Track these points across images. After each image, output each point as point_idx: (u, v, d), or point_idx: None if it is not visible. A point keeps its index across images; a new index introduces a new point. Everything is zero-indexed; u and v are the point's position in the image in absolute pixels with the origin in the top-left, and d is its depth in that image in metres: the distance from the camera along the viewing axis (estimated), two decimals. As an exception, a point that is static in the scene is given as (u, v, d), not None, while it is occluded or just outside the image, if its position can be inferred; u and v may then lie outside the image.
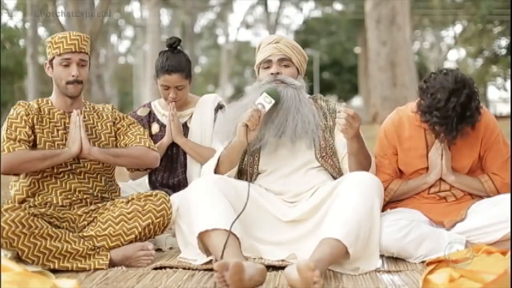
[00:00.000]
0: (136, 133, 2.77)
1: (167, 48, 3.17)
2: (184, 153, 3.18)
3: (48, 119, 2.64)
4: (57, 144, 2.61)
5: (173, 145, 3.18)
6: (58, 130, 2.64)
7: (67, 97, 2.66)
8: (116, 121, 2.79)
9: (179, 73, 3.08)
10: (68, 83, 2.61)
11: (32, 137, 2.58)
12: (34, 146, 2.58)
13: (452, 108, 2.44)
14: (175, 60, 3.10)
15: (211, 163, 2.74)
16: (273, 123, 2.63)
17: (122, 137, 2.76)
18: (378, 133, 2.86)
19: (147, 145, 2.73)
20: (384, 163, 2.75)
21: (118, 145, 2.74)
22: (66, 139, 2.62)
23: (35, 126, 2.60)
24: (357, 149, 2.57)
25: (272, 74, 2.71)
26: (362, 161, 2.60)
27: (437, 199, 2.72)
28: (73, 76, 2.60)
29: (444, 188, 2.71)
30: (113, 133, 2.76)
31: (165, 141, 3.15)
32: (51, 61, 2.64)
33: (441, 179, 2.70)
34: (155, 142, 3.18)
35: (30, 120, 2.59)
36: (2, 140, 2.54)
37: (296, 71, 2.76)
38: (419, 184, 2.73)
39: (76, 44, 2.60)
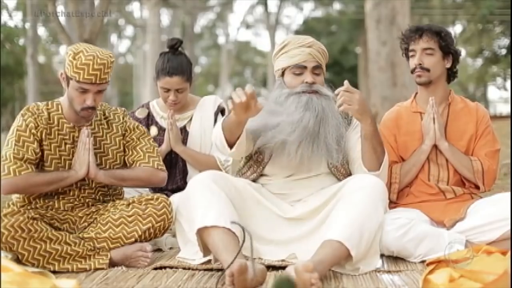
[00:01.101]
0: (145, 148, 2.67)
1: (167, 49, 3.11)
2: (183, 159, 3.16)
3: (57, 131, 2.56)
4: (64, 159, 2.56)
5: (171, 151, 3.15)
6: (66, 144, 2.57)
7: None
8: (126, 133, 2.69)
9: (180, 75, 3.04)
10: (82, 109, 2.51)
11: (40, 154, 2.50)
12: (40, 162, 2.53)
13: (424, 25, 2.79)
14: (176, 62, 3.05)
15: (219, 135, 2.50)
16: (309, 135, 2.50)
17: (130, 152, 2.67)
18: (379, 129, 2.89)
19: (155, 166, 2.64)
20: (388, 149, 2.77)
21: (126, 159, 2.68)
22: (73, 154, 2.56)
23: (43, 142, 2.52)
24: (370, 133, 2.49)
25: (306, 82, 2.57)
26: (376, 147, 2.53)
27: (436, 192, 2.74)
28: (87, 104, 2.49)
29: (443, 177, 2.75)
30: (122, 147, 2.68)
31: (164, 148, 3.11)
32: (68, 77, 2.49)
33: (438, 164, 2.75)
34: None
35: (38, 134, 2.50)
36: (7, 158, 2.43)
37: (323, 77, 2.67)
38: (417, 157, 2.77)
39: (97, 75, 2.45)
